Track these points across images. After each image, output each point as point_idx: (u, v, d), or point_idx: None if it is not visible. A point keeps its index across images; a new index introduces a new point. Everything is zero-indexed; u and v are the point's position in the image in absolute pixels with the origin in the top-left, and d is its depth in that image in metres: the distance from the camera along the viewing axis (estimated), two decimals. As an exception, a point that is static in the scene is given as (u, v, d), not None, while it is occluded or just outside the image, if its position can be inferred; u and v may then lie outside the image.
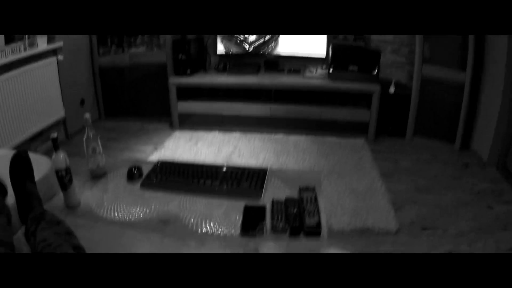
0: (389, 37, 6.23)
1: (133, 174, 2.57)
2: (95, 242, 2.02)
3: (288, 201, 2.16)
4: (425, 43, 5.64)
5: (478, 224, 4.02)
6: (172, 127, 6.39)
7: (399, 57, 6.31)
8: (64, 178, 2.23)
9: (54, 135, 2.23)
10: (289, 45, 6.34)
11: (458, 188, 4.73)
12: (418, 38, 5.68)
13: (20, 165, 2.15)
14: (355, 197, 4.35)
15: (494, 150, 5.20)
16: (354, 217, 3.97)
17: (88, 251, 1.91)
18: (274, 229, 1.96)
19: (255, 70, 6.30)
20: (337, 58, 5.97)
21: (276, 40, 6.35)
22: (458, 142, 5.71)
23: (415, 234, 3.84)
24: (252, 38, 6.41)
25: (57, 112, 5.70)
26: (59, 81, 5.66)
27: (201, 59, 6.54)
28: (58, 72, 5.63)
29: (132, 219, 2.18)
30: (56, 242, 1.82)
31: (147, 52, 6.55)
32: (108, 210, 2.27)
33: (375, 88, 5.69)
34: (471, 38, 5.24)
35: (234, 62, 6.54)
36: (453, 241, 3.74)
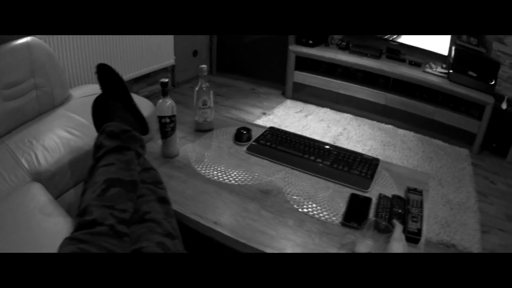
0: (510, 50, 5.98)
1: (241, 135, 2.54)
2: (186, 197, 2.01)
3: (394, 199, 2.08)
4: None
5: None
6: (285, 95, 6.35)
7: (517, 73, 6.08)
8: (167, 126, 2.23)
9: (165, 79, 2.22)
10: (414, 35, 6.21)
11: (549, 224, 4.57)
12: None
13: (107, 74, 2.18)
14: (449, 209, 4.27)
15: None
16: (444, 229, 3.90)
17: (176, 205, 1.92)
18: (376, 226, 1.84)
19: (377, 54, 6.18)
20: (458, 60, 5.79)
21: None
22: (560, 177, 5.48)
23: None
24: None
25: (167, 58, 5.74)
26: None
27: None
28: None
29: (232, 182, 2.15)
30: (140, 191, 1.83)
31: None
32: (208, 167, 2.26)
33: (489, 100, 5.49)
34: None
35: (357, 42, 6.42)
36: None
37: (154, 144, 2.41)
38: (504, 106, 5.50)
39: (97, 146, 1.92)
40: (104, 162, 1.82)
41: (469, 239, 3.78)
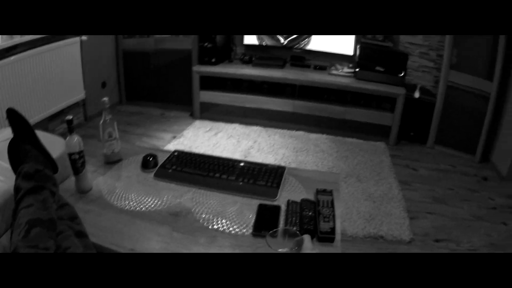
0: (418, 40, 6.19)
1: (147, 162, 2.54)
2: (102, 229, 2.01)
3: (304, 203, 2.11)
4: (454, 48, 5.57)
5: (491, 240, 4.00)
6: (193, 116, 6.37)
7: (427, 61, 6.27)
8: (76, 162, 2.21)
9: (69, 117, 2.20)
10: (317, 40, 6.30)
11: (474, 201, 4.70)
12: (447, 43, 5.62)
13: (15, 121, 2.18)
14: (371, 202, 4.33)
15: (514, 165, 5.12)
16: (369, 223, 3.95)
17: (93, 238, 1.91)
18: (285, 233, 1.85)
19: (281, 64, 6.26)
20: (364, 58, 5.93)
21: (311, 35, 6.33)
22: (478, 154, 5.65)
23: (428, 246, 3.81)
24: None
25: (78, 93, 5.71)
26: (82, 62, 5.65)
27: (227, 48, 6.53)
28: (81, 53, 5.62)
29: (143, 209, 2.16)
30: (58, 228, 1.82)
31: (173, 38, 6.50)
32: (119, 198, 2.25)
33: (400, 92, 5.64)
34: (500, 47, 5.17)
35: (260, 55, 6.52)
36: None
37: (68, 180, 2.38)
38: (417, 94, 5.66)
39: (16, 188, 1.93)
40: (24, 204, 1.82)
41: (397, 228, 3.86)
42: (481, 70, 5.46)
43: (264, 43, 6.46)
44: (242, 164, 2.54)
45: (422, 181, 5.00)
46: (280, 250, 1.67)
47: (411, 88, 5.95)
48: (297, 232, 1.77)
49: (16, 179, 1.97)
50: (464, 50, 5.56)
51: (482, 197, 4.80)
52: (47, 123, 5.22)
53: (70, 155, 2.19)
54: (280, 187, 2.33)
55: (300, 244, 1.64)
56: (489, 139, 5.59)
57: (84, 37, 5.57)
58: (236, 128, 5.96)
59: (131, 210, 2.15)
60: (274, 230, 1.78)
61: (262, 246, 1.84)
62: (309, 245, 1.62)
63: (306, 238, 1.65)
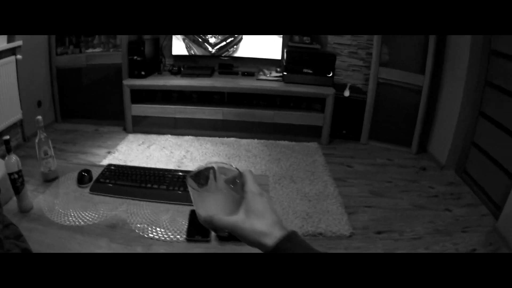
0: (346, 40, 6.31)
1: (83, 178, 2.54)
2: (46, 246, 2.02)
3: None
4: (383, 46, 5.71)
5: (435, 226, 4.10)
6: (126, 130, 6.37)
7: (356, 60, 6.40)
8: (16, 181, 2.21)
9: (6, 137, 2.22)
10: (244, 47, 6.38)
11: (414, 191, 4.81)
12: (375, 41, 5.76)
13: None
14: (307, 201, 4.38)
15: (453, 153, 5.31)
16: (306, 221, 4.00)
17: (38, 255, 1.91)
18: (218, 236, 1.96)
19: (209, 72, 6.33)
20: (291, 61, 6.02)
21: (239, 42, 6.37)
22: (415, 146, 5.79)
23: (370, 238, 3.87)
24: (213, 39, 6.41)
25: (15, 113, 5.63)
26: (17, 82, 5.59)
27: (156, 61, 6.56)
28: (17, 72, 5.56)
29: (82, 224, 2.17)
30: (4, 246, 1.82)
31: (104, 53, 6.50)
32: (59, 215, 2.25)
33: (329, 92, 5.76)
34: (431, 41, 5.34)
35: (188, 64, 6.58)
36: (409, 244, 3.79)
37: (11, 201, 2.39)
38: (346, 93, 5.77)
39: None
40: None
41: (335, 224, 3.92)
42: (413, 64, 5.61)
43: (192, 52, 6.50)
44: (172, 173, 2.58)
45: (358, 177, 5.09)
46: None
47: (341, 87, 6.04)
48: (233, 167, 1.13)
49: None
50: (394, 47, 5.71)
51: (422, 187, 4.93)
52: (-15, 146, 5.15)
53: (9, 175, 2.20)
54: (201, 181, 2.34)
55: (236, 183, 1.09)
56: (425, 131, 5.75)
57: (19, 56, 5.52)
58: (168, 139, 5.99)
59: (71, 225, 2.16)
60: (195, 171, 1.17)
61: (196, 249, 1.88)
62: (254, 187, 1.06)
63: (248, 175, 1.09)
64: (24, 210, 2.29)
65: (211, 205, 1.08)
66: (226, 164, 1.15)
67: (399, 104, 5.83)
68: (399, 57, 5.76)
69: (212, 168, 1.17)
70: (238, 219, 1.02)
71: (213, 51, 6.44)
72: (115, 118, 6.56)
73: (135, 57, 6.07)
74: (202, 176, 1.19)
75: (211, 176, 1.17)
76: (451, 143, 5.33)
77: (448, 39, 5.48)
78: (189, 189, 1.11)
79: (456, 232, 4.03)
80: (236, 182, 1.11)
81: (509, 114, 4.56)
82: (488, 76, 4.93)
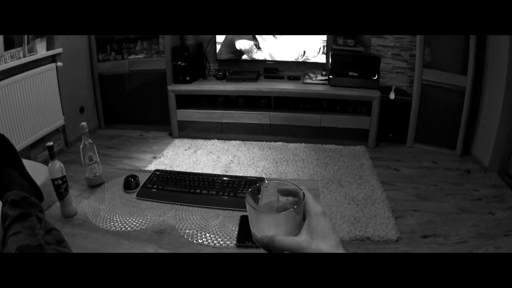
0: (390, 42, 6.26)
1: (129, 183, 2.54)
2: (90, 251, 2.02)
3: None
4: (426, 47, 5.65)
5: (479, 230, 4.03)
6: (172, 135, 6.38)
7: (400, 62, 6.34)
8: (60, 187, 2.21)
9: (50, 143, 2.20)
10: (289, 51, 6.34)
11: (459, 194, 4.74)
12: (418, 42, 5.70)
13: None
14: (355, 205, 4.35)
15: (496, 155, 5.21)
16: (354, 226, 3.96)
17: (81, 261, 1.90)
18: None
19: (254, 77, 6.30)
20: (336, 64, 5.98)
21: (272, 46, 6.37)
22: (459, 148, 5.73)
23: (416, 242, 3.83)
24: (248, 45, 6.41)
25: (57, 119, 5.69)
26: (59, 88, 5.64)
27: (200, 66, 6.56)
28: (58, 79, 5.61)
29: (128, 230, 2.16)
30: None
31: (147, 59, 6.53)
32: (105, 220, 2.25)
33: (375, 95, 5.70)
34: (472, 42, 5.27)
35: (233, 69, 6.56)
36: (454, 249, 3.74)
37: (54, 206, 2.38)
38: (392, 96, 5.71)
39: (3, 216, 1.92)
40: (12, 231, 1.81)
41: (383, 228, 3.87)
42: (455, 65, 5.54)
43: (232, 57, 6.54)
44: (221, 178, 2.55)
45: (405, 180, 5.03)
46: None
47: (386, 90, 6.00)
48: (292, 185, 1.08)
49: (3, 207, 1.97)
50: (436, 48, 5.63)
51: (466, 190, 4.84)
52: (28, 151, 5.22)
53: (53, 180, 2.19)
54: (260, 198, 2.31)
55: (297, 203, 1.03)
56: (468, 133, 5.68)
57: (59, 63, 5.56)
58: (215, 144, 6.00)
59: (116, 231, 2.15)
60: (254, 187, 1.14)
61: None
62: (317, 207, 1.01)
63: (309, 195, 1.03)
64: (67, 216, 2.30)
65: (271, 225, 1.02)
66: (285, 182, 1.11)
67: (443, 106, 5.77)
68: (441, 58, 5.69)
69: (272, 185, 1.14)
70: (303, 240, 0.98)
71: (252, 55, 6.47)
72: (160, 123, 6.61)
73: (179, 63, 6.09)
74: (262, 193, 1.15)
75: (270, 194, 1.14)
76: (494, 145, 5.25)
77: (488, 40, 5.40)
78: (247, 206, 1.06)
79: (498, 235, 3.97)
80: (297, 201, 1.05)
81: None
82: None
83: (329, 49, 6.21)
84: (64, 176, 2.22)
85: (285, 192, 1.10)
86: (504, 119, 5.05)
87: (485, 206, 4.52)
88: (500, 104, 5.09)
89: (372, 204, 4.38)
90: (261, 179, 2.54)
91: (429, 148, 5.95)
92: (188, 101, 6.26)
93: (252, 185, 2.42)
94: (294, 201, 1.06)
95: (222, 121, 6.14)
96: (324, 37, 6.18)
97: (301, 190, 1.05)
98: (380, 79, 6.09)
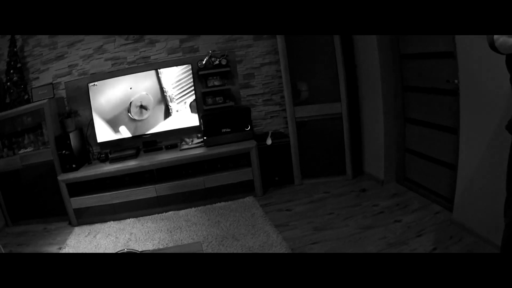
0: (259, 90, 6.56)
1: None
2: None
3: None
4: (300, 83, 5.90)
5: (388, 241, 4.18)
6: (71, 223, 6.33)
7: (272, 106, 6.58)
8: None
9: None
10: (165, 122, 6.51)
11: (359, 214, 4.90)
12: (285, 83, 5.93)
13: None
14: (253, 255, 4.40)
15: (389, 166, 5.48)
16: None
17: None
18: None
19: (135, 153, 6.39)
20: (209, 125, 6.13)
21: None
22: (349, 171, 5.92)
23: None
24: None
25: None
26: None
27: (84, 151, 6.62)
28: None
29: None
30: None
31: (35, 151, 6.46)
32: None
33: (251, 145, 5.88)
34: (340, 66, 5.62)
35: (114, 149, 6.64)
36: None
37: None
38: (269, 141, 5.95)
39: None
40: None
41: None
42: (328, 95, 5.81)
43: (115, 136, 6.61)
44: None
45: (299, 218, 5.13)
46: None
47: (264, 137, 6.20)
48: None
49: None
50: (308, 83, 5.92)
51: (365, 208, 5.03)
52: None
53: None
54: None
55: None
56: (356, 153, 5.91)
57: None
58: (111, 226, 5.98)
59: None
60: None
61: None
62: None
63: None
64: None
65: None
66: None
67: (324, 136, 5.97)
68: (316, 90, 5.92)
69: None
70: None
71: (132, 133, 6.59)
72: (59, 213, 6.51)
73: (64, 151, 6.12)
74: None
75: None
76: (384, 157, 5.47)
77: (357, 57, 5.73)
78: None
79: (410, 239, 4.12)
80: None
81: (428, 107, 4.80)
82: (404, 81, 5.16)
83: (200, 111, 6.36)
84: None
85: None
86: (388, 129, 5.34)
87: (388, 217, 4.69)
88: (381, 118, 5.36)
89: (270, 249, 4.43)
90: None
91: (319, 180, 6.09)
92: (79, 187, 6.23)
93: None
94: None
95: (113, 202, 6.16)
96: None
97: None
98: (256, 128, 6.34)
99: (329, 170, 6.07)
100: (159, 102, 6.42)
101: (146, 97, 6.36)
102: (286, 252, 4.30)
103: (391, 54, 5.24)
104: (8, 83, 6.39)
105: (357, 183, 5.82)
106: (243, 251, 4.51)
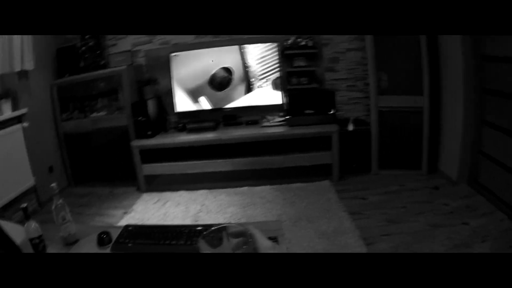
0: (343, 74, 6.45)
1: (102, 239, 2.56)
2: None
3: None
4: (381, 73, 5.83)
5: (454, 242, 4.08)
6: (140, 190, 6.38)
7: (355, 92, 6.51)
8: (38, 246, 2.28)
9: (24, 205, 2.28)
10: (246, 97, 6.50)
11: (430, 211, 4.80)
12: (370, 70, 5.87)
13: None
14: (325, 239, 4.38)
15: (463, 167, 5.33)
16: (325, 260, 3.94)
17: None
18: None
19: (214, 126, 6.38)
20: (293, 104, 6.10)
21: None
22: (425, 167, 5.83)
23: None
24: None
25: (27, 180, 5.67)
26: (26, 149, 5.64)
27: (161, 119, 6.63)
28: (24, 139, 5.62)
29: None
30: None
31: (108, 116, 6.57)
32: (81, 277, 2.26)
33: (333, 129, 5.79)
34: (424, 62, 5.48)
35: (193, 120, 6.61)
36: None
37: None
38: (350, 127, 5.83)
39: None
40: None
41: (354, 257, 3.87)
42: (411, 87, 5.70)
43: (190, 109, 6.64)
44: (188, 228, 2.59)
45: (373, 207, 5.08)
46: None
47: (345, 122, 6.11)
48: (240, 227, 1.26)
49: None
50: (391, 73, 5.79)
51: (436, 206, 4.92)
52: (2, 214, 5.18)
53: (31, 240, 2.25)
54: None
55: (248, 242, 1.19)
56: (433, 150, 5.79)
57: (25, 124, 5.58)
58: (182, 195, 5.97)
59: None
60: (206, 233, 1.28)
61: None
62: (265, 242, 1.19)
63: (257, 233, 1.21)
64: (46, 273, 2.33)
65: None
66: (233, 224, 1.25)
67: (404, 129, 5.88)
68: (396, 82, 5.83)
69: (224, 228, 1.27)
70: None
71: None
72: (128, 178, 6.57)
73: (140, 118, 6.16)
74: (215, 237, 1.27)
75: (224, 237, 1.26)
76: (460, 157, 5.36)
77: (441, 55, 5.60)
78: (201, 250, 1.22)
79: (475, 243, 4.03)
80: (248, 241, 1.19)
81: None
82: (485, 83, 4.97)
83: (284, 90, 6.32)
84: (41, 235, 2.29)
85: (235, 234, 1.24)
86: (466, 129, 5.19)
87: (457, 218, 4.58)
88: (460, 116, 5.23)
89: (342, 236, 4.40)
90: (222, 226, 2.55)
91: (395, 172, 6.01)
92: (153, 155, 6.27)
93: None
94: (244, 241, 1.21)
95: (187, 171, 6.19)
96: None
97: (248, 230, 1.21)
98: (337, 112, 6.20)
99: (405, 163, 6.00)
100: (241, 78, 6.42)
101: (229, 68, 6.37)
102: (358, 240, 4.27)
103: (474, 55, 5.07)
104: (83, 47, 6.47)
105: (430, 179, 5.72)
106: (316, 234, 4.49)
